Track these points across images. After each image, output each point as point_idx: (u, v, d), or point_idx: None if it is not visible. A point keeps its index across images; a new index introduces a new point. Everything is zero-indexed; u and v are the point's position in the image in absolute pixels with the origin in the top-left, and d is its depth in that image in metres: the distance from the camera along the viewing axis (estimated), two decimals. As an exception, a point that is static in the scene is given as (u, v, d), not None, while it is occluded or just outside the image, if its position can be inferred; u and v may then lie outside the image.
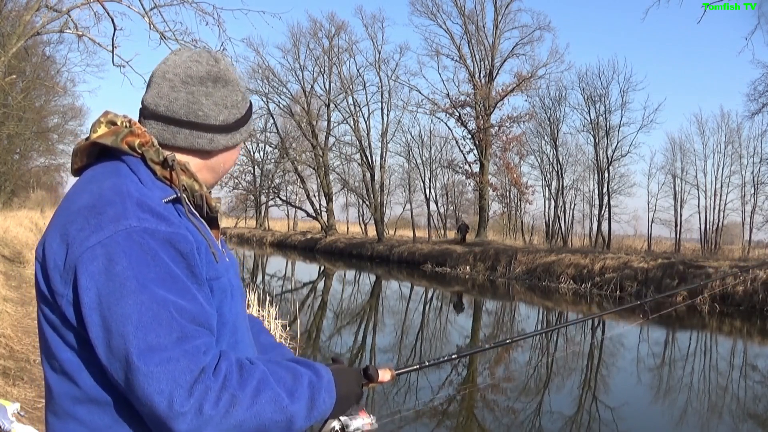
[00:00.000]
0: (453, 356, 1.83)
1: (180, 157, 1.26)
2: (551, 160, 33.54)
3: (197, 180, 1.25)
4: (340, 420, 1.34)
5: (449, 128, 36.96)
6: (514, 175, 34.36)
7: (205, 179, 1.32)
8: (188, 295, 1.11)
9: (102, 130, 1.23)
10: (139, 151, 1.21)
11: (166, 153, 1.22)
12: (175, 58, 1.28)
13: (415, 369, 1.61)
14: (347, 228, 47.83)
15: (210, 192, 1.40)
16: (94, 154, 1.26)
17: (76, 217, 1.12)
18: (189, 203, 1.23)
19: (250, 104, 1.38)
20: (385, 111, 37.26)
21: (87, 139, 1.25)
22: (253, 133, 40.77)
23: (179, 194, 1.20)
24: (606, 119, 30.33)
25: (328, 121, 40.04)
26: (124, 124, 1.23)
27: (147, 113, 1.27)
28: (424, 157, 39.08)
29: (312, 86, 39.32)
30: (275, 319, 10.16)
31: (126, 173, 1.19)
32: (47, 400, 1.21)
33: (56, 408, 1.17)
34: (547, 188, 34.47)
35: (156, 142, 1.23)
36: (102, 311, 1.05)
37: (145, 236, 1.09)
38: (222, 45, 11.03)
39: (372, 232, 39.84)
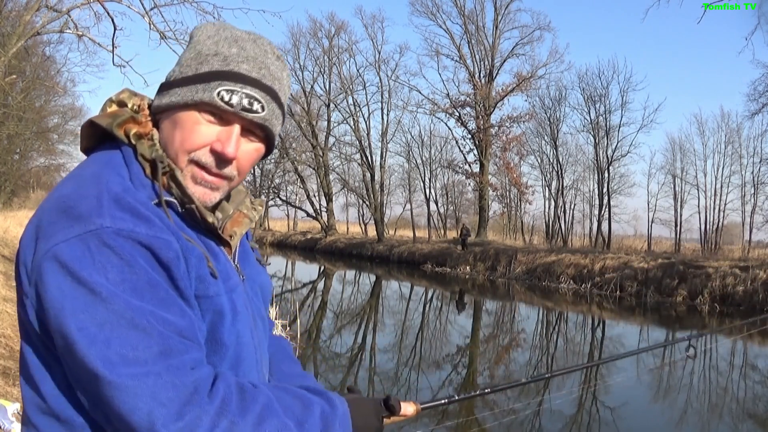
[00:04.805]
0: (486, 390, 1.66)
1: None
2: (551, 160, 33.57)
3: (187, 193, 1.05)
4: None
5: (449, 128, 37.19)
6: (514, 175, 34.40)
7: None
8: (173, 306, 0.95)
9: (111, 109, 1.10)
10: (133, 142, 1.05)
11: (160, 152, 1.05)
12: None
13: (442, 404, 1.46)
14: (347, 228, 47.87)
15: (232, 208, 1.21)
16: (96, 136, 1.09)
17: (52, 208, 0.98)
18: (179, 211, 1.06)
19: (214, 73, 1.06)
20: (385, 111, 37.42)
21: None
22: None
23: (161, 200, 1.02)
24: (606, 119, 30.38)
25: (328, 121, 40.13)
26: (134, 107, 1.09)
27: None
28: (424, 157, 39.21)
29: (312, 86, 39.47)
30: (275, 319, 10.17)
31: (116, 164, 1.03)
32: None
33: (24, 415, 1.05)
34: (547, 188, 34.54)
35: (156, 137, 1.07)
36: (66, 320, 0.90)
37: (119, 239, 0.93)
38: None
39: (372, 232, 39.88)
